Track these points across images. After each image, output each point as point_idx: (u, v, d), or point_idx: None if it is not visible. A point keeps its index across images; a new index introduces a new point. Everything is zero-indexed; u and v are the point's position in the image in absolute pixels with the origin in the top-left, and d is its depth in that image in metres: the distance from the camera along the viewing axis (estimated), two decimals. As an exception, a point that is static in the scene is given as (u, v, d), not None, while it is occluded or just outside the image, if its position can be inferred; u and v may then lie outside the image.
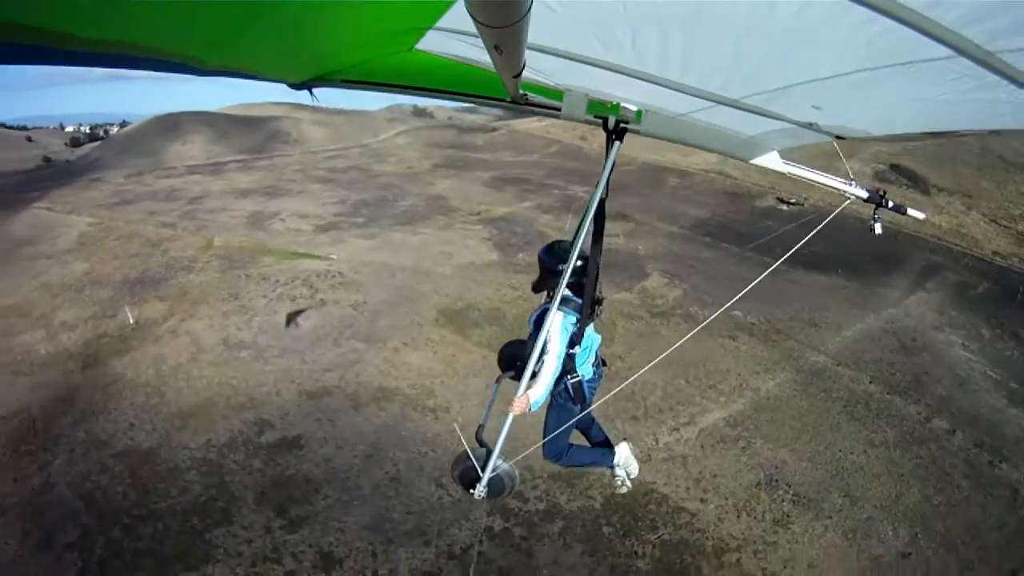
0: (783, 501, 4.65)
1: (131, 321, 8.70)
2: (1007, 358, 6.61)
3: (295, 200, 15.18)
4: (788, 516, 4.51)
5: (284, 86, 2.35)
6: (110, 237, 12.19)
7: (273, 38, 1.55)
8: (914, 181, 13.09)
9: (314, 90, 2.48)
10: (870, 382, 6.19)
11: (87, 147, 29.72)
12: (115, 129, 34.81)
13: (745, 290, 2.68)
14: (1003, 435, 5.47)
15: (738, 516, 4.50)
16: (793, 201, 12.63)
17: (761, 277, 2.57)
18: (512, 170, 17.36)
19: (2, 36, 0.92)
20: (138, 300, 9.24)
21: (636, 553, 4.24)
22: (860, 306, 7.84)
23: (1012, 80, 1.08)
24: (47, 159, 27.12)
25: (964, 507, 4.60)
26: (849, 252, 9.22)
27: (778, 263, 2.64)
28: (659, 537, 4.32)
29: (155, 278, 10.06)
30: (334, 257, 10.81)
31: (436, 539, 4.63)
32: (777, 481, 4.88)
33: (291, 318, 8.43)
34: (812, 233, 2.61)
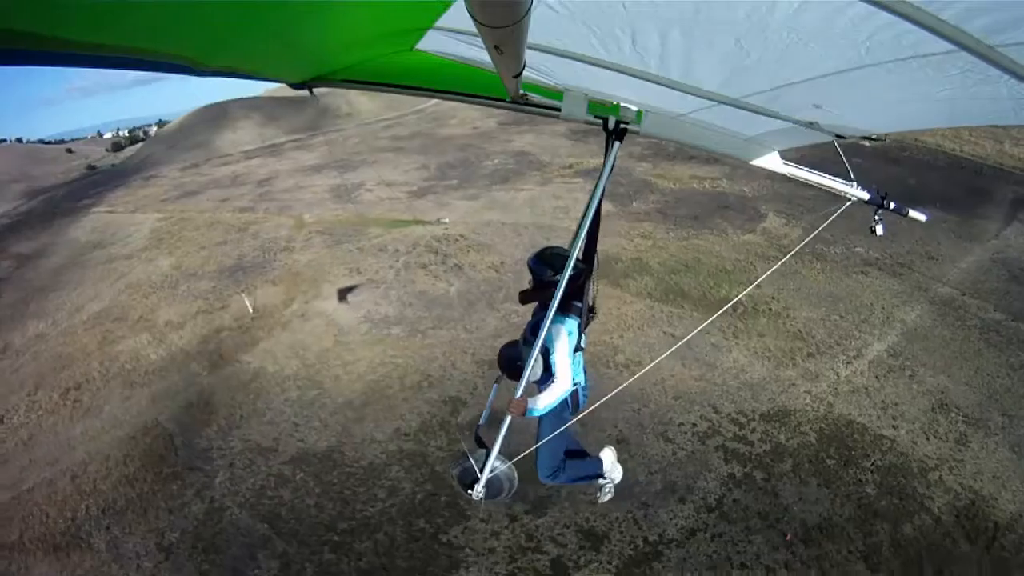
0: (957, 422, 5.19)
1: (250, 310, 8.59)
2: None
3: (372, 170, 15.77)
4: (965, 436, 5.06)
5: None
6: (187, 229, 12.74)
7: (273, 38, 1.61)
8: None
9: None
10: (994, 310, 6.73)
11: (130, 150, 30.65)
12: (154, 129, 35.79)
13: (762, 278, 3.02)
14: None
15: (927, 438, 5.04)
16: (875, 137, 12.58)
17: (786, 257, 2.92)
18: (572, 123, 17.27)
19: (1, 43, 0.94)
20: (246, 287, 9.31)
21: (861, 480, 4.69)
22: (965, 238, 8.26)
23: (1013, 74, 1.11)
24: (91, 167, 28.43)
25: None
26: (943, 186, 9.82)
27: (775, 267, 3.22)
28: (873, 464, 4.82)
29: (256, 263, 10.31)
30: (447, 221, 11.07)
31: (688, 494, 4.71)
32: (946, 405, 5.40)
33: (433, 286, 8.48)
34: (821, 228, 2.90)
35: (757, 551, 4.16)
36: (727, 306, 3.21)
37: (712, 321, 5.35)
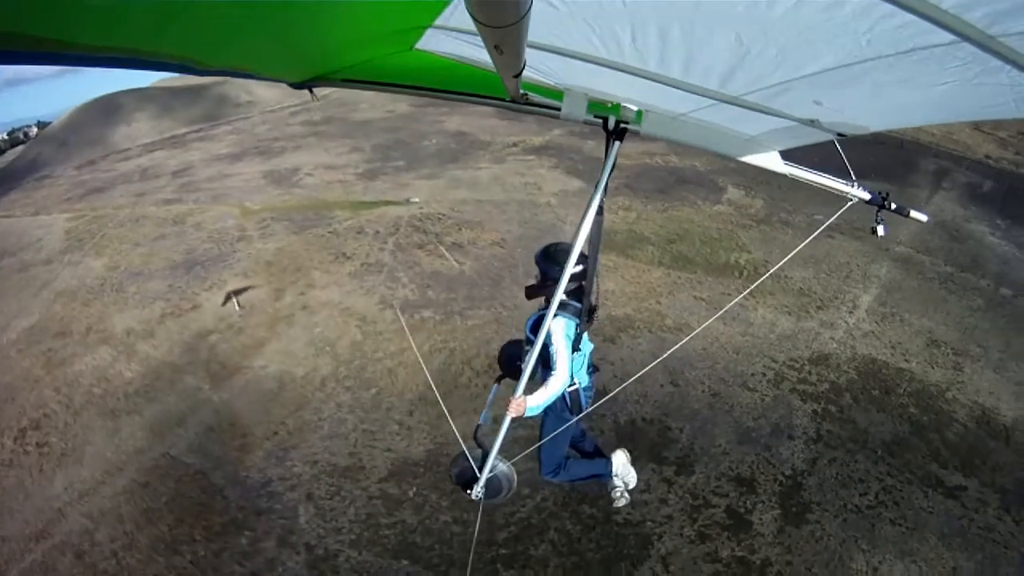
0: (948, 354, 6.60)
1: (237, 308, 8.02)
2: (1022, 242, 9.13)
3: (301, 155, 15.33)
4: (958, 363, 6.48)
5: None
6: (108, 226, 11.83)
7: (273, 38, 1.66)
8: None
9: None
10: (945, 264, 8.37)
11: (11, 153, 27.88)
12: (34, 130, 31.40)
13: (771, 271, 3.36)
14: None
15: (932, 368, 6.41)
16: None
17: (785, 260, 3.37)
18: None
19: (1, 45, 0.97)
20: (213, 284, 8.73)
21: (903, 404, 5.86)
22: (905, 203, 10.06)
23: (1015, 64, 1.13)
24: (-37, 177, 24.25)
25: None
26: (875, 159, 11.28)
27: (779, 264, 3.45)
28: (904, 391, 6.04)
29: (211, 255, 9.72)
30: (417, 200, 11.02)
31: (792, 432, 5.46)
32: (936, 341, 6.81)
33: (443, 265, 8.41)
34: (810, 239, 3.13)
35: (864, 468, 5.18)
36: (763, 278, 3.76)
37: (731, 287, 7.29)
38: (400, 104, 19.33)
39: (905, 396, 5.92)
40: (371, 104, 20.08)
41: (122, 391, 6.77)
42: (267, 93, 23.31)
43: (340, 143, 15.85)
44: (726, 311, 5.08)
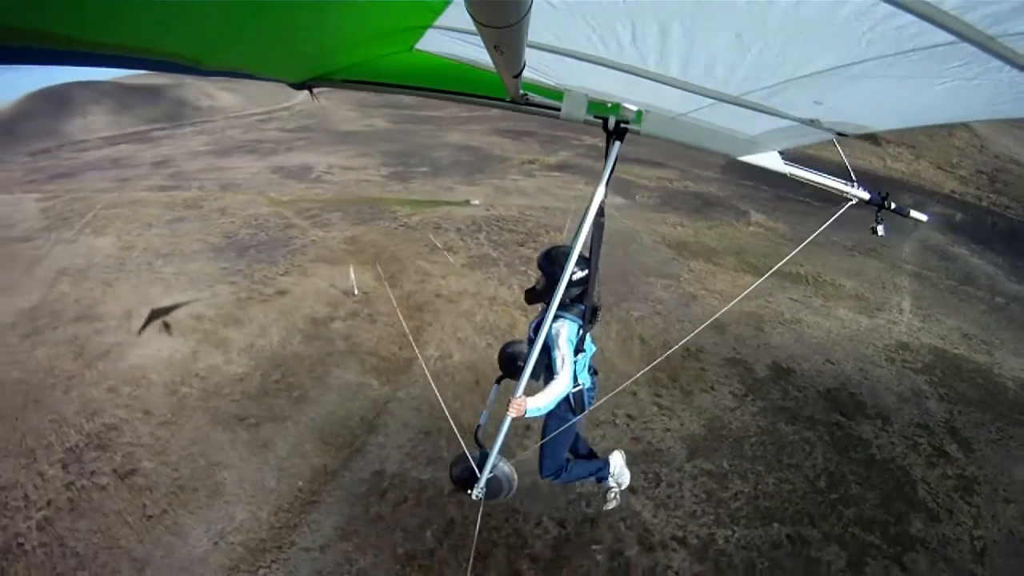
0: (980, 343, 7.87)
1: (356, 292, 7.72)
2: (997, 262, 10.72)
3: (302, 156, 15.59)
4: (991, 350, 7.75)
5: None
6: (96, 207, 11.51)
7: (273, 38, 1.66)
8: (868, 135, 16.70)
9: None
10: (947, 279, 9.81)
11: None
12: None
13: (777, 266, 3.49)
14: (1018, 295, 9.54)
15: (975, 353, 7.61)
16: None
17: (775, 268, 3.48)
18: (500, 123, 18.53)
19: (5, 39, 0.99)
20: (290, 268, 8.51)
21: (972, 377, 6.98)
22: (896, 232, 10.96)
23: (1014, 65, 1.13)
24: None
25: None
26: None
27: (778, 265, 3.47)
28: (967, 368, 7.19)
29: (263, 240, 9.52)
30: (476, 202, 11.55)
31: (928, 394, 6.52)
32: (967, 335, 8.05)
33: None
34: (815, 234, 3.02)
35: (979, 417, 6.19)
36: (763, 278, 3.67)
37: (802, 292, 8.50)
38: (378, 120, 20.39)
39: (968, 372, 7.03)
40: (344, 118, 21.05)
41: (235, 390, 5.91)
42: (228, 99, 23.87)
43: (337, 149, 16.18)
44: (811, 311, 7.57)
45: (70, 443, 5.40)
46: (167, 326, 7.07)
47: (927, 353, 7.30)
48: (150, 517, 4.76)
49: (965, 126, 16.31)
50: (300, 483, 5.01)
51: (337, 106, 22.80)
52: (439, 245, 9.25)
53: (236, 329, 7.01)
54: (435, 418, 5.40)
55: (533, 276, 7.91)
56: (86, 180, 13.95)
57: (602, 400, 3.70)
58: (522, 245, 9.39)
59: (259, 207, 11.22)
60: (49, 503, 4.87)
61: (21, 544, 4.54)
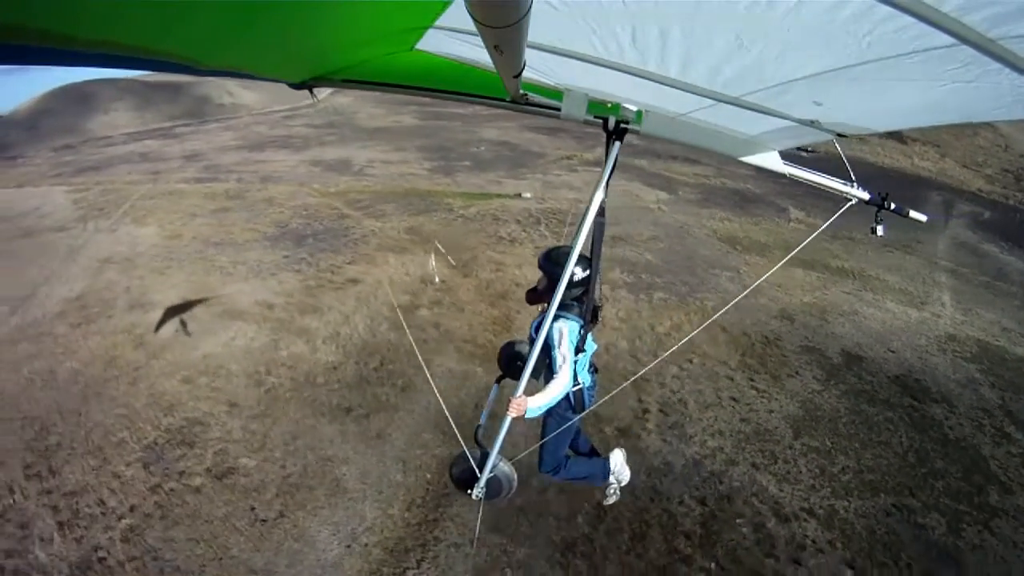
0: (1019, 336, 8.03)
1: (436, 280, 7.76)
2: (1027, 258, 11.04)
3: (338, 151, 15.75)
4: None
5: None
6: (132, 198, 11.61)
7: (272, 38, 1.66)
8: (893, 133, 17.33)
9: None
10: (980, 275, 9.92)
11: None
12: None
13: (784, 259, 3.48)
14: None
15: (1015, 345, 7.68)
16: (810, 149, 15.64)
17: (774, 269, 3.48)
18: (531, 120, 18.49)
19: (4, 38, 0.99)
20: (356, 257, 8.52)
21: (1018, 367, 7.13)
22: (927, 229, 11.51)
23: (1014, 67, 1.13)
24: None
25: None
26: (891, 191, 12.85)
27: (781, 263, 3.44)
28: (1010, 358, 7.34)
29: (319, 230, 9.65)
30: (528, 195, 11.80)
31: (981, 381, 6.75)
32: (1005, 328, 8.18)
33: (631, 253, 9.32)
34: (815, 233, 3.07)
35: None
36: (763, 278, 3.72)
37: (850, 287, 8.73)
38: (405, 117, 20.63)
39: (1012, 362, 7.22)
40: (370, 115, 21.29)
41: (330, 380, 5.72)
42: (250, 96, 24.19)
43: (370, 144, 16.40)
44: (863, 304, 7.97)
45: (147, 440, 5.02)
46: (184, 324, 6.80)
47: (973, 344, 7.55)
48: (263, 521, 4.33)
49: (989, 125, 16.41)
50: (428, 475, 4.73)
51: (361, 104, 23.22)
52: (501, 237, 9.36)
53: (314, 317, 6.88)
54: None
55: (607, 267, 8.50)
56: (115, 173, 14.22)
57: (606, 397, 3.69)
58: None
59: (306, 198, 11.42)
60: (133, 509, 4.40)
61: (103, 559, 4.01)
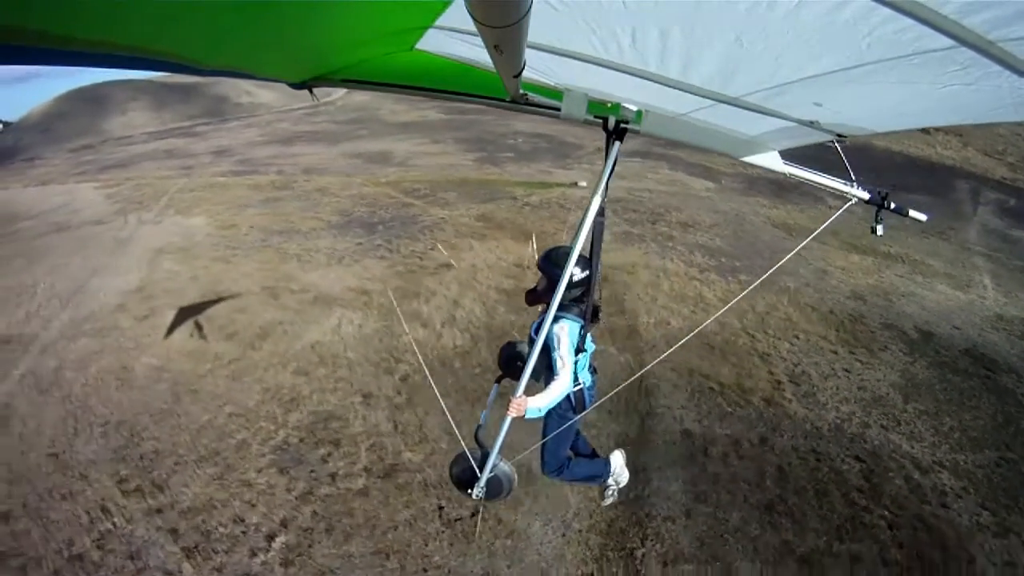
0: None
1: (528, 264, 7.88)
2: (1055, 244, 11.06)
3: (373, 143, 15.77)
4: None
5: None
6: (170, 191, 11.54)
7: (272, 38, 1.65)
8: None
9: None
10: (1014, 259, 10.15)
11: None
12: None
13: (782, 262, 3.42)
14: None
15: None
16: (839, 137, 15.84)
17: (782, 262, 3.40)
18: None
19: (3, 38, 0.98)
20: (437, 242, 8.55)
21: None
22: (958, 217, 11.94)
23: (1013, 70, 1.13)
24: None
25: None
26: (920, 180, 13.60)
27: (787, 257, 3.35)
28: None
29: (386, 218, 9.68)
30: (583, 184, 12.03)
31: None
32: None
33: (702, 238, 9.67)
34: (814, 235, 3.01)
35: None
36: (766, 275, 3.54)
37: (902, 271, 9.01)
38: (429, 112, 20.62)
39: None
40: (393, 111, 21.24)
41: (468, 364, 5.48)
42: (267, 95, 24.33)
43: (403, 137, 16.45)
44: (923, 287, 8.33)
45: (275, 440, 4.50)
46: (199, 327, 6.24)
47: (1020, 324, 7.86)
48: (458, 520, 3.97)
49: (1009, 113, 15.92)
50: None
51: (382, 101, 22.84)
52: (571, 224, 9.14)
53: (419, 302, 6.68)
54: (696, 378, 5.88)
55: (687, 251, 9.17)
56: (143, 169, 14.22)
57: (615, 390, 3.63)
58: (654, 224, 9.97)
59: (361, 188, 11.46)
60: (284, 523, 3.85)
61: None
